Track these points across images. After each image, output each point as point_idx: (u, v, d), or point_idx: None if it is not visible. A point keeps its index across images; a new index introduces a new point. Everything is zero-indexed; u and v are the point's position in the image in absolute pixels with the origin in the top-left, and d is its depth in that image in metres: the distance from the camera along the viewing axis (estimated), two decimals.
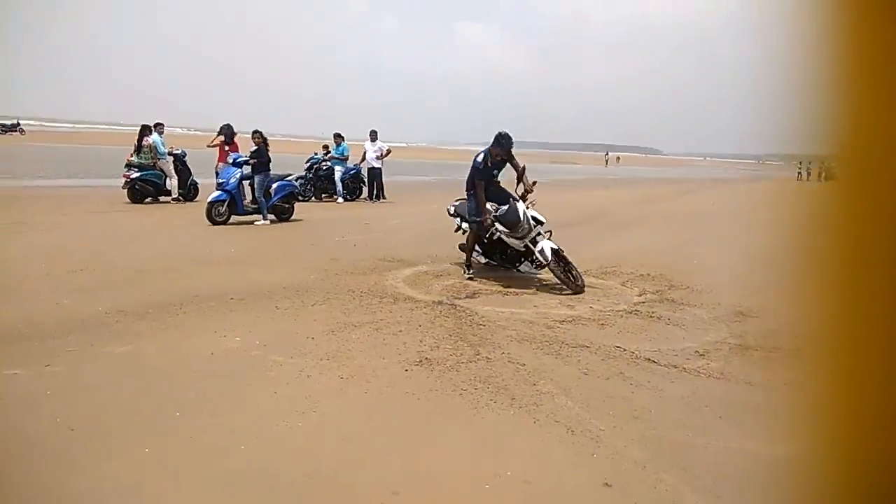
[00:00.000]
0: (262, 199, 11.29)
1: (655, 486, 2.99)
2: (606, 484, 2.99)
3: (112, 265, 7.23)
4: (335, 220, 12.58)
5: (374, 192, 16.70)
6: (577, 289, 6.93)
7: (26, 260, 7.31)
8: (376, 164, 16.59)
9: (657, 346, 5.19)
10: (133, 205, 13.41)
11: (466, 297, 6.53)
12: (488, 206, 7.35)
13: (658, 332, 5.60)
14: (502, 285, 7.17)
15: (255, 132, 11.39)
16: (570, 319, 5.86)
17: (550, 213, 7.18)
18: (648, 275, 8.15)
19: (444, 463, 3.15)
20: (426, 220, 12.45)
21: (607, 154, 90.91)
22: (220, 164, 12.98)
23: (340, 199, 16.35)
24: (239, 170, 11.09)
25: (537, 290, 7.07)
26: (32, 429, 3.22)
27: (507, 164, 7.50)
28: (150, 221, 11.27)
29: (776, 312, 5.80)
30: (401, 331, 5.24)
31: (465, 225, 7.84)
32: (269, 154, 11.43)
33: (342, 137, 16.58)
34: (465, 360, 4.57)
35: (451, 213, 8.25)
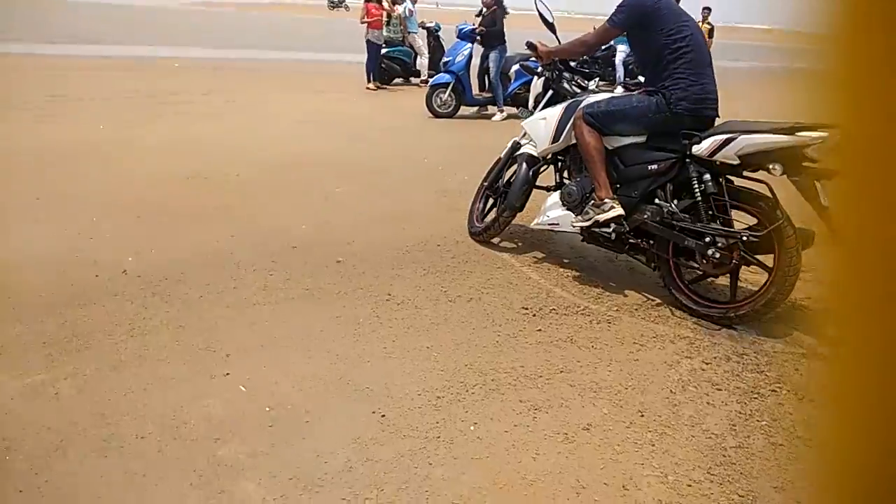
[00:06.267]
0: (498, 84, 8.39)
1: None
2: None
3: (242, 161, 5.45)
4: None
5: None
6: None
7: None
8: None
9: None
10: (374, 87, 11.55)
11: None
12: None
13: None
14: None
15: None
16: None
17: None
18: None
19: None
20: None
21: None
22: (373, 29, 10.88)
23: (620, 89, 12.58)
24: (468, 44, 8.27)
25: None
26: None
27: None
28: (362, 108, 9.14)
29: None
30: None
31: None
32: (504, 23, 8.32)
33: None
34: None
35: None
